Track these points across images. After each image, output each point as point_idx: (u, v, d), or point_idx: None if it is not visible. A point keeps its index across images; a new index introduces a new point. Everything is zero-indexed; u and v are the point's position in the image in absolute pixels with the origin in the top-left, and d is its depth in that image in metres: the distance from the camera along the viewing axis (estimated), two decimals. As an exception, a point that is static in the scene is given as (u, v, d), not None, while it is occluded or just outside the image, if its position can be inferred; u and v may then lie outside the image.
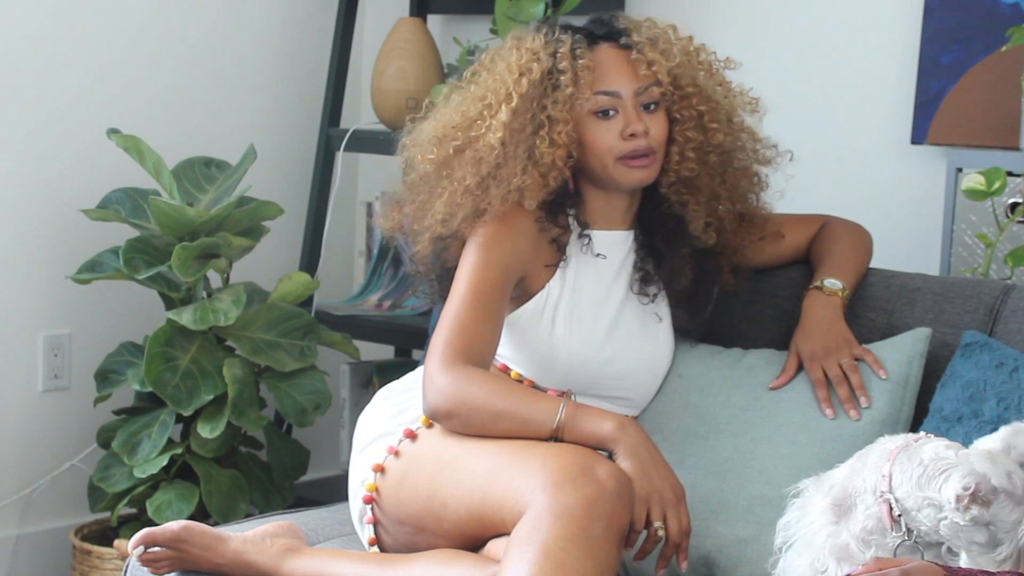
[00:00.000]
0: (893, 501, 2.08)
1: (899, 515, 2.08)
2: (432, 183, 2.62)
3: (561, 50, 2.56)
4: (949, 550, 2.06)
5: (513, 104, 2.55)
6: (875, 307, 2.69)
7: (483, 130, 2.57)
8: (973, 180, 2.86)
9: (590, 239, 2.63)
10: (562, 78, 2.54)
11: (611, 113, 2.56)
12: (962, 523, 2.01)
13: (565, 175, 2.59)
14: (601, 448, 2.35)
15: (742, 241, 2.72)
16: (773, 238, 2.76)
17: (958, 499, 1.99)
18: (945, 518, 2.02)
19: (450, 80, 2.74)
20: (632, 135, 2.55)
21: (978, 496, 1.99)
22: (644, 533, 2.32)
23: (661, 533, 2.30)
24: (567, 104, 2.54)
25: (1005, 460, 2.03)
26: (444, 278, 2.66)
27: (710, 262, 2.71)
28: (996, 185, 2.84)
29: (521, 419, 2.39)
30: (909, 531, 2.07)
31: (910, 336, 2.57)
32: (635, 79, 2.57)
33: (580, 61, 2.55)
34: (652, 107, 2.58)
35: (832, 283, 2.65)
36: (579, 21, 2.69)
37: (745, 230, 2.72)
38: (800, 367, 2.58)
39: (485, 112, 2.58)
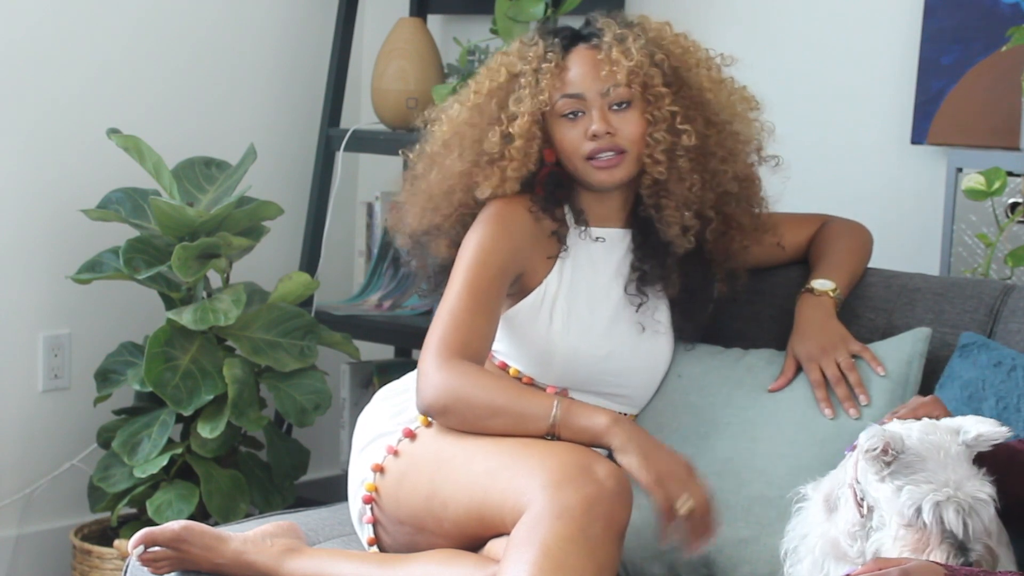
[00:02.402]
0: (856, 486, 2.10)
1: (862, 498, 2.09)
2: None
3: (531, 53, 2.60)
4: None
5: (470, 102, 2.62)
6: (875, 307, 2.69)
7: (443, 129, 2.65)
8: (973, 180, 2.86)
9: (587, 225, 2.63)
10: (522, 80, 2.58)
11: (578, 114, 2.58)
12: (875, 476, 2.04)
13: (528, 167, 2.60)
14: (597, 443, 2.35)
15: (730, 247, 2.70)
16: (769, 246, 2.75)
17: (866, 451, 2.03)
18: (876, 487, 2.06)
19: (449, 80, 2.75)
20: (593, 135, 2.56)
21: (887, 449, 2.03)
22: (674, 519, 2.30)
23: (687, 508, 2.28)
24: (527, 103, 2.57)
25: (939, 432, 2.05)
26: (440, 272, 2.67)
27: (701, 268, 2.70)
28: (996, 185, 2.84)
29: (517, 415, 2.39)
30: (871, 510, 2.08)
31: (910, 336, 2.57)
32: (597, 80, 2.57)
33: (544, 64, 2.58)
34: (623, 106, 2.57)
35: (822, 284, 2.65)
36: (579, 21, 2.69)
37: (734, 237, 2.70)
38: (798, 370, 2.58)
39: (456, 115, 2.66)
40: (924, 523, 2.00)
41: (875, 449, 2.03)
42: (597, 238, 2.63)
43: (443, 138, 2.65)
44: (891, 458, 2.04)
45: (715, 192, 2.64)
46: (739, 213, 2.69)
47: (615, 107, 2.57)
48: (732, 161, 2.65)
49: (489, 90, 2.62)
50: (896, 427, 2.08)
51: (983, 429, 2.06)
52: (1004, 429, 2.07)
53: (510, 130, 2.58)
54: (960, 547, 1.99)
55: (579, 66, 2.58)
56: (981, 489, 2.01)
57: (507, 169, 2.59)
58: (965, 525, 2.00)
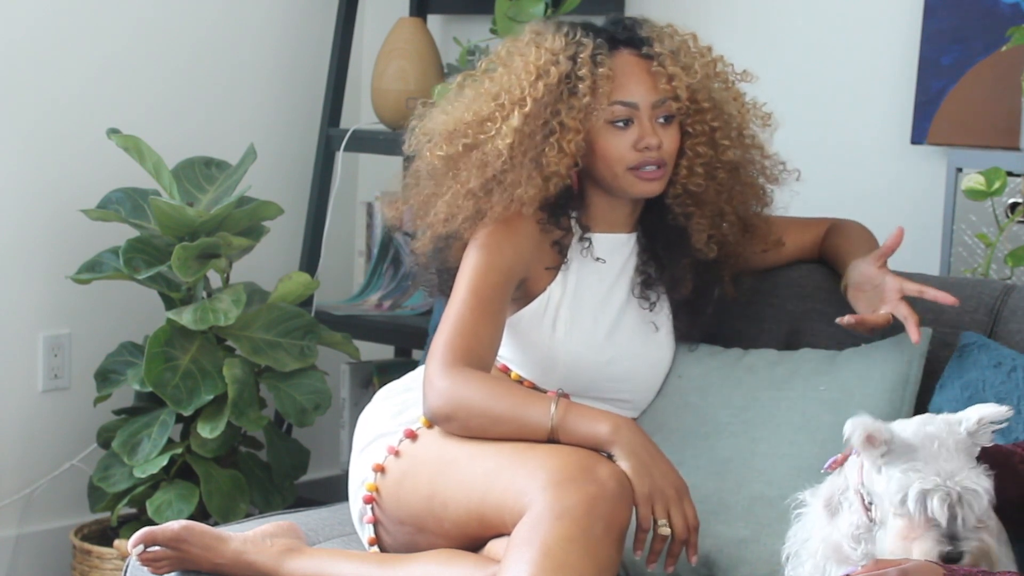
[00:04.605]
0: (862, 489, 2.10)
1: (870, 503, 2.09)
2: (439, 179, 2.61)
3: (582, 55, 2.53)
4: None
5: (527, 109, 2.52)
6: (875, 307, 2.69)
7: (492, 133, 2.54)
8: (973, 180, 2.86)
9: (590, 243, 2.62)
10: (580, 85, 2.52)
11: (626, 123, 2.55)
12: (872, 467, 2.04)
13: (567, 182, 2.58)
14: (599, 450, 2.35)
15: (744, 251, 2.71)
16: (775, 247, 2.75)
17: (846, 440, 2.04)
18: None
19: (464, 69, 2.71)
20: (646, 147, 2.54)
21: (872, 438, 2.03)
22: (651, 533, 2.31)
23: (666, 531, 2.30)
24: (582, 112, 2.52)
25: (936, 423, 2.04)
26: (444, 273, 2.66)
27: (711, 271, 2.70)
28: (996, 185, 2.84)
29: (518, 423, 2.38)
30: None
31: (910, 336, 2.56)
32: (654, 91, 2.55)
33: (600, 69, 2.52)
34: (667, 120, 2.57)
35: None
36: (578, 20, 2.67)
37: (748, 241, 2.71)
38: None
39: (497, 113, 2.55)
40: (909, 511, 2.00)
41: (857, 440, 2.03)
42: (598, 258, 2.63)
43: (498, 145, 2.53)
44: (883, 449, 2.04)
45: (745, 202, 2.66)
46: (755, 221, 2.71)
47: (660, 119, 2.56)
48: (760, 173, 2.68)
49: (543, 95, 2.53)
50: (897, 423, 2.08)
51: (984, 411, 2.04)
52: (1005, 409, 2.04)
53: (562, 144, 2.53)
54: (950, 537, 1.99)
55: (632, 74, 2.55)
56: (975, 481, 2.00)
57: (551, 182, 2.55)
58: (953, 515, 1.99)
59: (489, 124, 2.55)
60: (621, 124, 2.55)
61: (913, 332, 2.49)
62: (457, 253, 2.59)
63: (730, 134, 2.61)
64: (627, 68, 2.55)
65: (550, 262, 2.61)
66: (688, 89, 2.55)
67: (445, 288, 2.64)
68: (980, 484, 2.00)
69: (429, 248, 2.65)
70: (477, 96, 2.60)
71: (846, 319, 2.53)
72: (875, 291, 2.55)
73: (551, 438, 2.36)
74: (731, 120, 2.61)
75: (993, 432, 2.05)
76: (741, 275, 2.73)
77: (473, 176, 2.55)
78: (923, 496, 2.00)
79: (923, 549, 1.99)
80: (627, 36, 2.58)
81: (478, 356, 2.46)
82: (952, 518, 1.99)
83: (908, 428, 2.06)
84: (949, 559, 1.97)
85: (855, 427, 2.04)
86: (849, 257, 2.64)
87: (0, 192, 3.54)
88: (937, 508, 1.99)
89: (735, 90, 2.64)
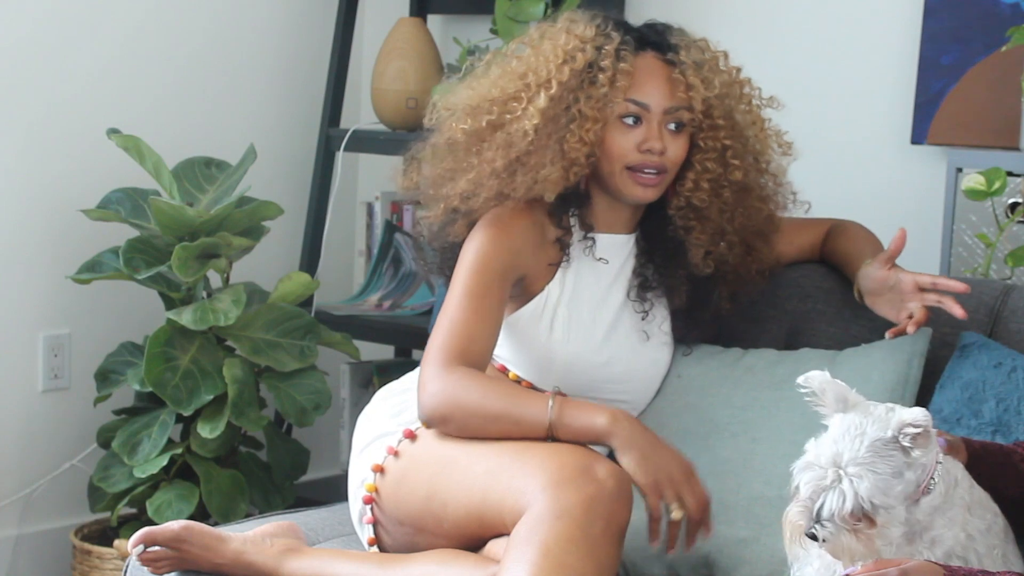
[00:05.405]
0: None
1: None
2: (459, 154, 2.61)
3: (607, 47, 2.54)
4: None
5: (552, 91, 2.53)
6: (875, 307, 2.68)
7: (518, 113, 2.55)
8: (973, 180, 2.86)
9: (593, 242, 2.62)
10: (600, 76, 2.53)
11: (636, 122, 2.55)
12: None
13: (585, 172, 2.58)
14: (598, 443, 2.35)
15: (743, 271, 2.71)
16: (775, 267, 2.75)
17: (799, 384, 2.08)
18: None
19: (449, 80, 2.73)
20: (648, 150, 2.54)
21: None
22: (666, 520, 2.30)
23: (678, 515, 2.29)
24: (599, 103, 2.53)
25: (877, 414, 2.02)
26: (447, 250, 2.65)
27: (707, 286, 2.69)
28: (996, 185, 2.84)
29: (514, 421, 2.38)
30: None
31: (910, 336, 2.56)
32: (669, 97, 2.55)
33: (621, 64, 2.53)
34: (679, 127, 2.56)
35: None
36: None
37: (749, 263, 2.71)
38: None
39: (523, 93, 2.56)
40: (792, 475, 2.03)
41: (810, 391, 2.05)
42: (600, 258, 2.62)
43: (525, 126, 2.54)
44: (827, 409, 2.04)
45: (747, 225, 2.65)
46: (760, 244, 2.70)
47: (670, 126, 2.56)
48: (768, 200, 2.67)
49: (568, 79, 2.53)
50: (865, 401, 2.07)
51: (905, 414, 2.00)
52: (922, 415, 1.97)
53: (582, 133, 2.53)
54: (809, 515, 1.99)
55: (652, 76, 2.55)
56: (849, 483, 1.97)
57: (571, 172, 2.55)
58: (815, 496, 1.98)
59: (515, 103, 2.56)
60: (630, 121, 2.55)
61: (955, 308, 2.49)
62: (459, 230, 2.60)
63: (743, 156, 2.60)
64: (647, 69, 2.56)
65: (550, 259, 2.61)
66: (704, 103, 2.55)
67: (445, 267, 2.65)
68: (850, 488, 1.97)
69: (440, 220, 2.64)
70: (504, 74, 2.60)
71: (892, 332, 2.54)
72: (893, 293, 2.55)
73: (549, 434, 2.36)
74: (747, 143, 2.61)
75: (914, 437, 1.99)
76: (738, 293, 2.72)
77: (498, 156, 2.56)
78: (803, 467, 2.01)
79: (787, 511, 2.01)
80: (656, 39, 2.58)
81: (474, 355, 2.46)
82: (815, 499, 1.99)
83: (862, 409, 2.04)
84: (809, 535, 1.98)
85: (809, 380, 2.06)
86: (857, 260, 2.64)
87: (0, 192, 3.54)
88: (803, 483, 2.00)
89: (757, 114, 2.64)
